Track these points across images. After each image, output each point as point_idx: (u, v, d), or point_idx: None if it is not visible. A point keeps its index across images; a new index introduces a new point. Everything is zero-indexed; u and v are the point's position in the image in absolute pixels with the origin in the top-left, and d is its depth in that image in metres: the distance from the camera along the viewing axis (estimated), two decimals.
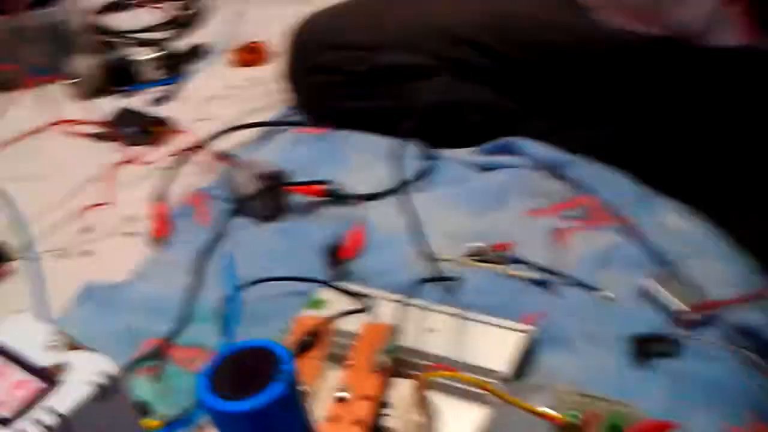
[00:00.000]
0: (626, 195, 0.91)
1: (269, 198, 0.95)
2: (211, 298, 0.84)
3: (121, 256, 0.93)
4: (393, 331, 0.70)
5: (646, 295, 0.78)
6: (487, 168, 1.00)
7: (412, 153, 1.03)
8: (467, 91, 1.07)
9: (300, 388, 0.56)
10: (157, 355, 0.78)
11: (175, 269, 0.89)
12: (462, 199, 0.95)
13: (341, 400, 0.65)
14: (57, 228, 0.98)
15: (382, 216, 0.93)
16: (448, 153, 1.03)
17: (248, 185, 0.95)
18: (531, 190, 0.94)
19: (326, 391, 0.67)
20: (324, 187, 0.95)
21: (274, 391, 0.53)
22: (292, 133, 1.11)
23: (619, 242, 0.85)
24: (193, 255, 0.90)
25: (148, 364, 0.78)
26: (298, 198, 0.96)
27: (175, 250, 0.93)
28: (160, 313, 0.83)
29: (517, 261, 0.84)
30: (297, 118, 1.14)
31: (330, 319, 0.73)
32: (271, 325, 0.78)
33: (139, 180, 1.06)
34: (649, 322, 0.76)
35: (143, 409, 0.72)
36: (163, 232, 0.95)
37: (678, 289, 0.77)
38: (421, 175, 0.99)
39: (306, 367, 0.69)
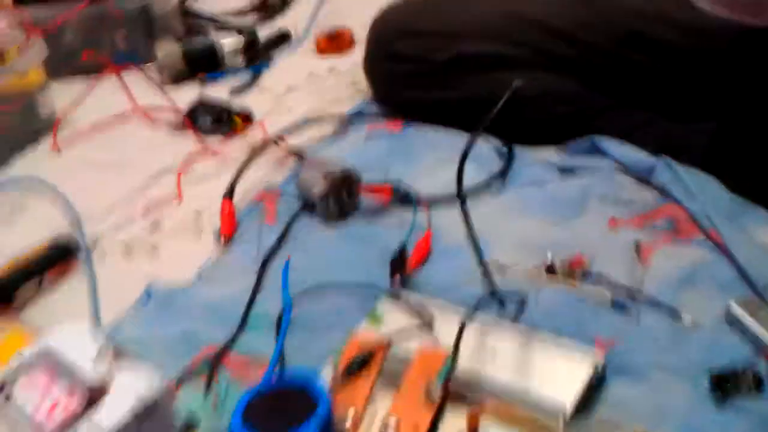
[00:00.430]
0: (718, 206, 0.84)
1: (338, 199, 0.92)
2: (270, 304, 0.81)
3: (187, 254, 0.92)
4: (450, 357, 0.66)
5: (733, 323, 0.72)
6: (567, 170, 0.94)
7: (489, 151, 0.98)
8: (554, 82, 1.01)
9: (335, 429, 0.52)
10: (211, 365, 0.77)
11: (237, 272, 0.87)
12: (538, 204, 0.89)
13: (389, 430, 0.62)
14: (126, 222, 0.97)
15: (452, 221, 0.88)
16: (527, 152, 0.98)
17: (317, 184, 0.92)
18: (614, 198, 0.88)
19: (375, 418, 0.64)
20: (393, 188, 0.92)
21: None
22: (367, 128, 1.07)
23: (707, 260, 0.78)
24: (257, 257, 0.87)
25: (202, 374, 0.76)
26: (367, 199, 0.93)
27: (239, 252, 0.91)
28: (219, 319, 0.82)
29: (592, 278, 0.79)
30: (374, 110, 1.10)
31: (386, 341, 0.70)
32: (329, 336, 0.75)
33: (212, 173, 1.04)
34: (733, 354, 0.69)
35: (190, 424, 0.70)
36: (229, 231, 0.93)
37: None
38: (497, 177, 0.94)
39: (356, 389, 0.66)
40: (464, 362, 0.67)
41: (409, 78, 1.06)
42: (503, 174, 0.95)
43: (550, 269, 0.80)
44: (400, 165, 0.98)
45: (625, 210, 0.86)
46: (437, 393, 0.63)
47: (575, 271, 0.79)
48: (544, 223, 0.87)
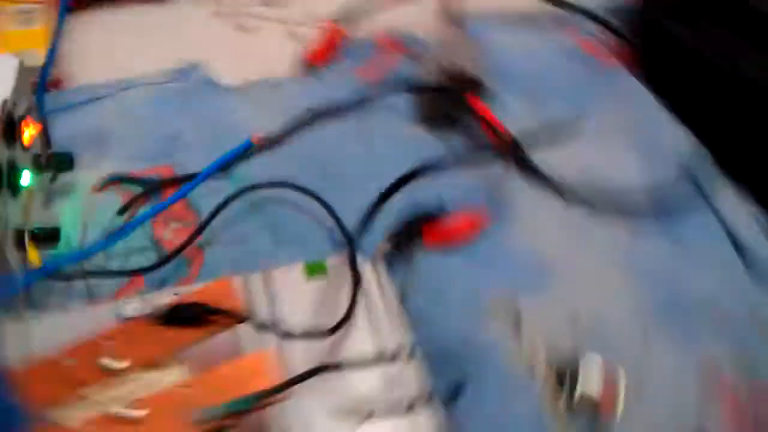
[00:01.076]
0: None
1: (443, 101, 0.68)
2: (268, 166, 0.64)
3: (265, 55, 0.75)
4: (253, 395, 0.44)
5: None
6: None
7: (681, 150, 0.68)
8: None
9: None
10: (150, 188, 0.62)
11: (282, 109, 0.69)
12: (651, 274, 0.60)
13: (116, 416, 0.44)
14: None
15: (541, 215, 0.63)
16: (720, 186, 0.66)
17: (431, 71, 0.69)
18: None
19: (138, 385, 0.46)
20: (510, 132, 0.66)
21: None
22: (569, 36, 0.78)
23: None
24: (309, 108, 0.69)
25: (137, 190, 0.62)
26: (473, 121, 0.68)
27: (303, 89, 0.72)
28: (218, 143, 0.65)
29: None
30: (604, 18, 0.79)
31: (247, 314, 0.50)
32: (279, 240, 0.60)
33: None
34: None
35: (52, 235, 0.57)
36: (315, 59, 0.74)
37: None
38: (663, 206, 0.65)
39: (161, 340, 0.48)
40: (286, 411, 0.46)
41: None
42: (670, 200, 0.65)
43: (561, 374, 0.53)
44: (559, 107, 0.70)
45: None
46: (202, 422, 0.44)
47: (596, 407, 0.52)
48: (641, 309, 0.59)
